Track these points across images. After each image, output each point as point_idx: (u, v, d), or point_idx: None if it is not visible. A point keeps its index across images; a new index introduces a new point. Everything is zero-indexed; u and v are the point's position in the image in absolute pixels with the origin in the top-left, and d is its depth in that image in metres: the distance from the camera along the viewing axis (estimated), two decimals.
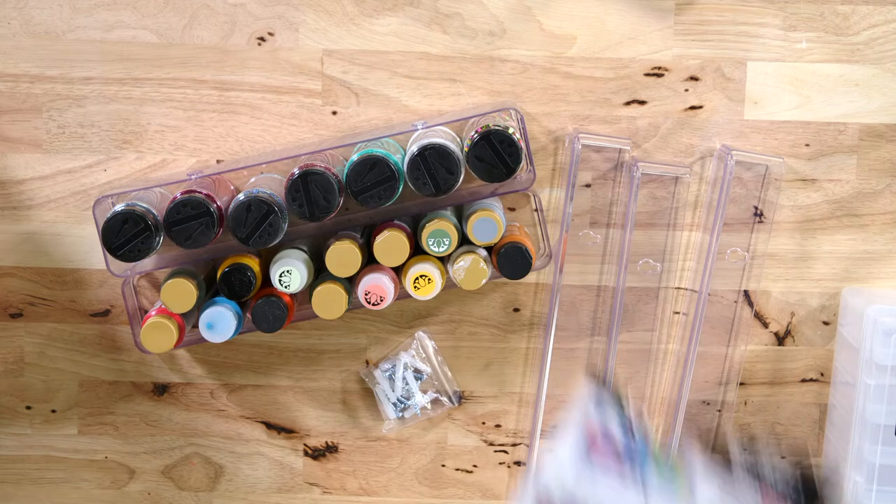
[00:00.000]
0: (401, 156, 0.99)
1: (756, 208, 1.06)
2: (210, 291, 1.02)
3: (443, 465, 1.12)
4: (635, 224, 1.06)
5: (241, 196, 0.96)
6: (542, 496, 0.88)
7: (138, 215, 0.95)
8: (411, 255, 1.00)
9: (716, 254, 1.06)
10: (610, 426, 0.90)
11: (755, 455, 0.90)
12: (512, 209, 1.07)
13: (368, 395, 1.10)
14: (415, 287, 1.00)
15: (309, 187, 0.95)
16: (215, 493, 1.12)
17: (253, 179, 1.02)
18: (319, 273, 1.02)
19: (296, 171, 0.96)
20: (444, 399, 1.09)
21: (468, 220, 0.99)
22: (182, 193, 0.96)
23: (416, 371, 1.09)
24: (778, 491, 0.89)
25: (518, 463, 1.11)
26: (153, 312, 1.00)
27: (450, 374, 1.10)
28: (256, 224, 0.96)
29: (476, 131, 0.97)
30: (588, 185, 1.06)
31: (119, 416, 1.11)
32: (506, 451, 1.11)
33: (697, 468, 0.90)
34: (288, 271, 0.98)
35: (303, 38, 1.04)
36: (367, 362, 1.10)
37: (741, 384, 1.09)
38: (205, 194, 0.96)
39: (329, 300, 0.99)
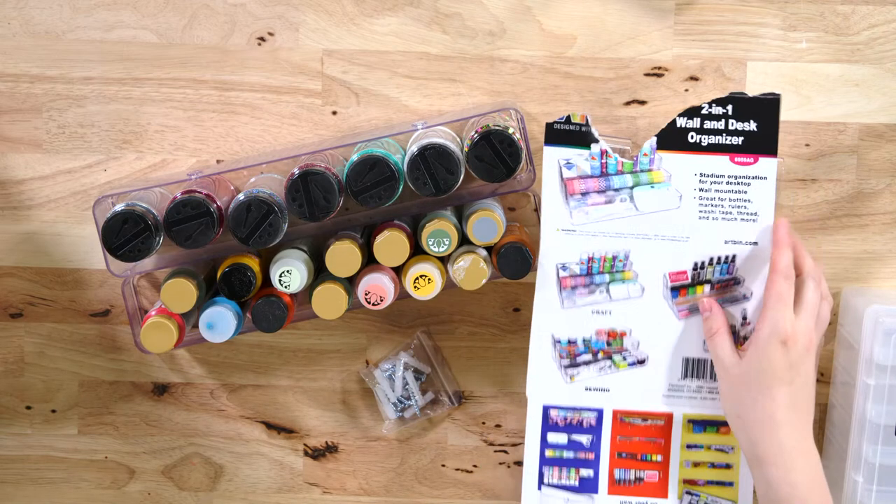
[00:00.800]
0: (401, 156, 0.99)
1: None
2: (210, 291, 1.03)
3: (443, 465, 1.12)
4: None
5: (241, 196, 0.96)
6: (551, 258, 1.00)
7: (138, 215, 0.95)
8: (411, 255, 1.00)
9: None
10: (583, 170, 0.98)
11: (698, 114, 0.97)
12: (512, 209, 1.07)
13: (368, 395, 1.10)
14: (415, 287, 1.00)
15: (309, 187, 0.95)
16: (215, 493, 1.12)
17: (253, 179, 1.02)
18: (319, 273, 1.02)
19: (296, 171, 0.96)
20: (444, 399, 1.09)
21: (468, 220, 0.99)
22: (182, 193, 0.96)
23: (416, 371, 1.09)
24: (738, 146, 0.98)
25: (518, 463, 1.11)
26: (153, 312, 1.00)
27: (450, 374, 1.10)
28: (256, 224, 0.96)
29: (476, 131, 0.96)
30: None
31: (119, 416, 1.11)
32: (506, 451, 1.11)
33: (672, 167, 0.98)
34: (288, 271, 0.98)
35: (303, 38, 1.04)
36: (367, 362, 1.10)
37: None
38: (205, 194, 0.96)
39: (329, 300, 0.99)
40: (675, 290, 1.01)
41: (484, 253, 1.01)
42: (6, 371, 1.10)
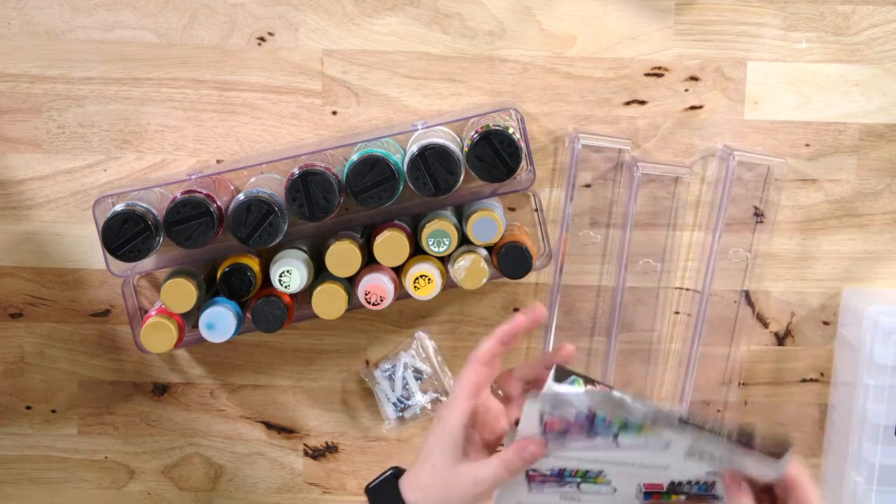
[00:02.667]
0: (401, 156, 0.99)
1: (756, 208, 1.06)
2: (210, 291, 1.02)
3: None
4: (635, 224, 1.06)
5: (241, 196, 0.96)
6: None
7: (138, 215, 0.95)
8: (411, 255, 1.00)
9: (718, 254, 1.06)
10: (569, 418, 0.85)
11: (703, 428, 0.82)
12: (512, 209, 1.07)
13: (368, 395, 1.10)
14: (415, 287, 1.00)
15: (309, 187, 0.95)
16: (215, 493, 1.12)
17: (253, 179, 1.02)
18: (319, 273, 1.02)
19: (296, 171, 0.96)
20: (444, 399, 1.09)
21: (468, 220, 0.99)
22: (182, 193, 0.96)
23: (416, 371, 1.09)
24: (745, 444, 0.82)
25: None
26: (153, 312, 1.00)
27: (450, 374, 1.10)
28: (256, 224, 0.96)
29: (476, 131, 0.96)
30: (588, 185, 1.06)
31: (119, 416, 1.11)
32: None
33: (665, 429, 0.84)
34: (288, 271, 0.98)
35: (303, 38, 1.04)
36: (367, 362, 1.10)
37: (741, 384, 1.09)
38: (205, 194, 0.96)
39: (329, 300, 0.99)
40: (649, 494, 0.89)
41: (484, 253, 1.01)
42: (6, 371, 1.10)
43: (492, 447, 0.87)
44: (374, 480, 0.86)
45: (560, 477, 0.91)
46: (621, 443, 0.87)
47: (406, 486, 0.85)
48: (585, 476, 0.90)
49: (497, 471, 0.85)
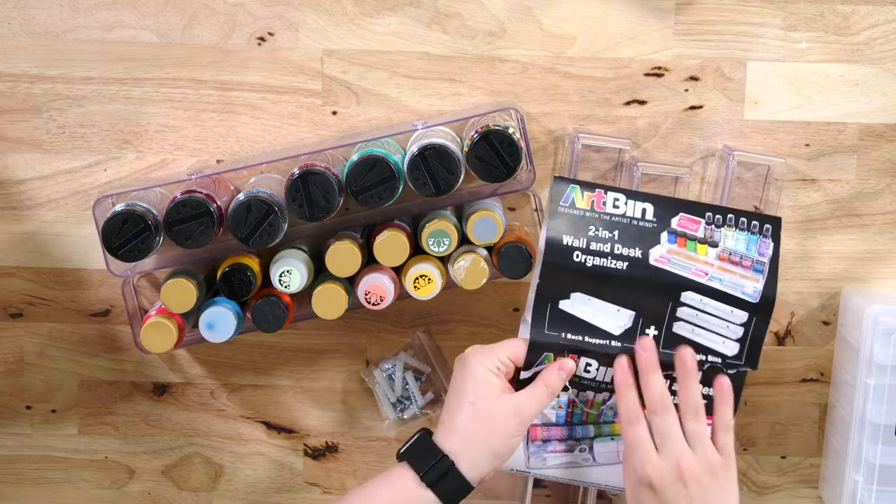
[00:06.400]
0: (401, 156, 0.99)
1: (756, 208, 1.06)
2: (210, 291, 1.03)
3: None
4: None
5: (241, 196, 0.96)
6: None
7: (138, 215, 0.95)
8: (411, 255, 1.00)
9: None
10: (548, 418, 0.92)
11: None
12: (512, 209, 1.07)
13: (368, 395, 1.10)
14: (415, 287, 1.00)
15: (309, 187, 0.95)
16: (215, 493, 1.12)
17: (253, 179, 1.02)
18: (319, 273, 1.02)
19: (296, 171, 0.96)
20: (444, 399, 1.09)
21: (468, 220, 0.99)
22: (182, 193, 0.96)
23: (416, 371, 1.09)
24: None
25: None
26: (153, 312, 1.00)
27: (450, 374, 1.09)
28: (256, 224, 0.96)
29: (476, 131, 0.96)
30: None
31: (119, 416, 1.11)
32: None
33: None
34: (288, 271, 0.98)
35: (303, 38, 1.04)
36: (367, 362, 1.10)
37: None
38: (205, 194, 0.96)
39: (329, 300, 0.99)
40: None
41: (484, 253, 1.01)
42: (6, 371, 1.10)
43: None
44: (404, 445, 0.86)
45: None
46: (597, 451, 0.92)
47: (441, 437, 0.85)
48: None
49: (539, 393, 0.86)
